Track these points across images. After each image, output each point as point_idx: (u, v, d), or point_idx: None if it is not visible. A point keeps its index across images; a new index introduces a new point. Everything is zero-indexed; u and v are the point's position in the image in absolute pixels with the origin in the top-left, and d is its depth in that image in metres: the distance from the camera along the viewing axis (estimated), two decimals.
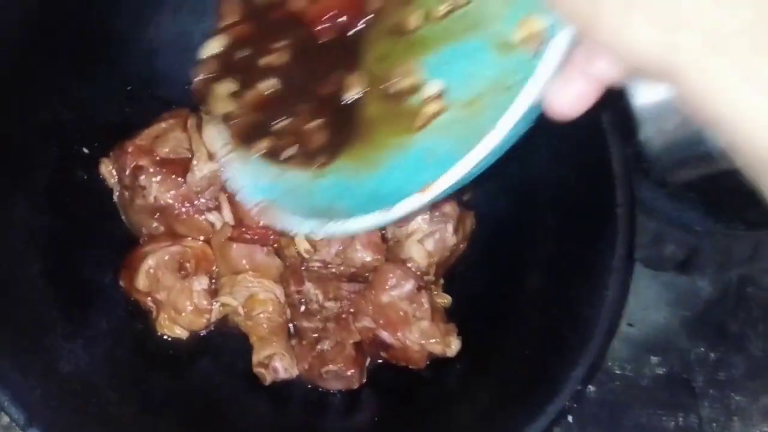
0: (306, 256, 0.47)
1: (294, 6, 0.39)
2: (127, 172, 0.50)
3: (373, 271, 0.49)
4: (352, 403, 0.48)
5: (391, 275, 0.49)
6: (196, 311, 0.48)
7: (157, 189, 0.49)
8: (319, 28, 0.38)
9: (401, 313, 0.48)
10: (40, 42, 0.48)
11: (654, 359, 0.59)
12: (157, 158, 0.50)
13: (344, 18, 0.38)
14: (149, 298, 0.48)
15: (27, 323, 0.43)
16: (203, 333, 0.49)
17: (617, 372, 0.58)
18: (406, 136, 0.36)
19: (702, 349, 0.60)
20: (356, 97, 0.37)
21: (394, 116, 0.36)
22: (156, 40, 0.53)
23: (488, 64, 0.34)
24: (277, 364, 0.47)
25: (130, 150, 0.50)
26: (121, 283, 0.48)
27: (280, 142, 0.38)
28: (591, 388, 0.57)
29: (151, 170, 0.49)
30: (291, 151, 0.38)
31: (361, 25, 0.38)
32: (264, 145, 0.38)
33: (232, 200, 0.49)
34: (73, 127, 0.50)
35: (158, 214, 0.49)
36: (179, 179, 0.49)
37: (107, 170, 0.50)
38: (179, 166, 0.50)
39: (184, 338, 0.48)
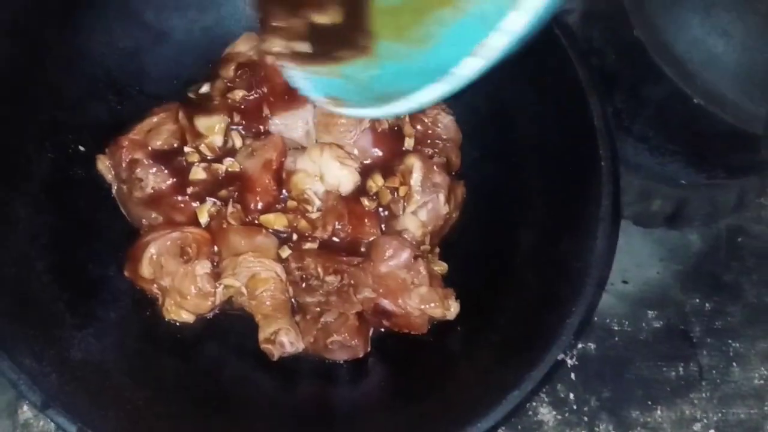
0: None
1: None
2: (124, 166, 0.51)
3: (370, 245, 0.51)
4: (358, 372, 0.49)
5: (387, 246, 0.50)
6: (200, 295, 0.49)
7: (154, 180, 0.51)
8: None
9: (400, 281, 0.49)
10: (29, 45, 0.49)
11: (651, 313, 0.60)
12: (151, 151, 0.51)
13: None
14: (154, 286, 0.49)
15: (37, 317, 0.45)
16: (209, 316, 0.50)
17: (616, 328, 0.59)
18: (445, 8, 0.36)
19: (697, 300, 0.61)
20: None
21: None
22: (142, 37, 0.54)
23: None
24: (283, 338, 0.48)
25: (124, 145, 0.51)
26: (126, 273, 0.49)
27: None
28: (592, 345, 0.59)
29: (147, 163, 0.51)
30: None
31: None
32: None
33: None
34: (67, 127, 0.51)
35: (156, 204, 0.51)
36: (174, 171, 0.51)
37: (104, 166, 0.52)
38: (173, 157, 0.51)
39: (191, 322, 0.49)
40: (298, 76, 0.44)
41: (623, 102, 0.54)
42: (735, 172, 0.55)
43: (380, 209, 0.52)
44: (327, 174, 0.52)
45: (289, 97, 0.53)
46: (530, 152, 0.52)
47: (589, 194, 0.46)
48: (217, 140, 0.52)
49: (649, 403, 0.57)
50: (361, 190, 0.52)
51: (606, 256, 0.45)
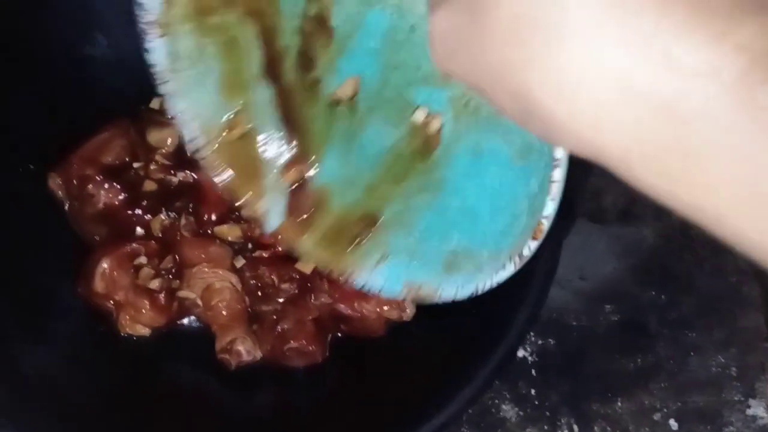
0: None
1: None
2: (75, 183, 0.51)
3: None
4: (316, 377, 0.49)
5: None
6: (155, 308, 0.49)
7: (105, 195, 0.51)
8: None
9: None
10: None
11: (608, 307, 0.61)
12: (103, 166, 0.51)
13: None
14: (109, 301, 0.49)
15: None
16: (165, 329, 0.50)
17: (574, 324, 0.60)
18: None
19: (652, 293, 0.62)
20: None
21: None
22: (90, 53, 0.54)
23: None
24: (240, 347, 0.48)
25: (75, 162, 0.51)
26: (79, 289, 0.49)
27: None
28: (551, 341, 0.59)
29: (98, 179, 0.51)
30: None
31: None
32: None
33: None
34: (16, 147, 0.51)
35: (109, 219, 0.51)
36: (126, 185, 0.51)
37: (55, 183, 0.52)
38: (125, 172, 0.52)
39: (148, 335, 0.49)
40: (364, 280, 0.39)
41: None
42: None
43: None
44: None
45: None
46: None
47: None
48: (169, 152, 0.52)
49: (609, 395, 0.58)
50: None
51: (552, 250, 0.46)
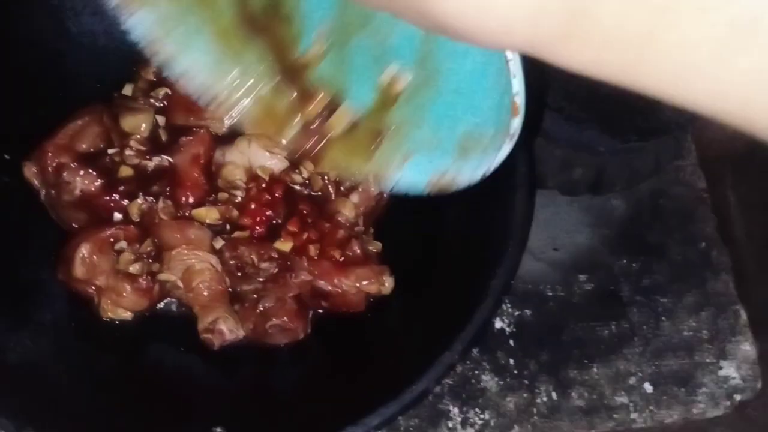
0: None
1: None
2: (50, 171, 0.51)
3: None
4: (300, 354, 0.50)
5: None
6: (136, 291, 0.49)
7: (82, 182, 0.51)
8: None
9: (334, 261, 0.51)
10: None
11: (582, 277, 0.63)
12: (78, 154, 0.52)
13: None
14: (90, 286, 0.50)
15: None
16: (147, 312, 0.51)
17: (550, 294, 0.62)
18: None
19: (625, 261, 0.64)
20: None
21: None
22: (61, 42, 0.54)
23: None
24: (222, 326, 0.49)
25: (50, 150, 0.51)
26: (59, 275, 0.50)
27: None
28: (528, 312, 0.61)
29: (73, 166, 0.51)
30: None
31: None
32: None
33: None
34: None
35: (86, 205, 0.51)
36: (102, 171, 0.51)
37: (31, 172, 0.52)
38: (100, 158, 0.52)
39: (130, 319, 0.50)
40: (395, 181, 0.42)
41: (536, 77, 0.57)
42: (646, 134, 0.58)
43: (312, 193, 0.54)
44: (256, 164, 0.53)
45: None
46: None
47: (505, 165, 0.48)
48: (144, 138, 0.52)
49: (586, 361, 0.59)
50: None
51: (524, 219, 0.47)
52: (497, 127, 0.36)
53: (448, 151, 0.39)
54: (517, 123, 0.34)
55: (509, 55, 0.30)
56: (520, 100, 0.32)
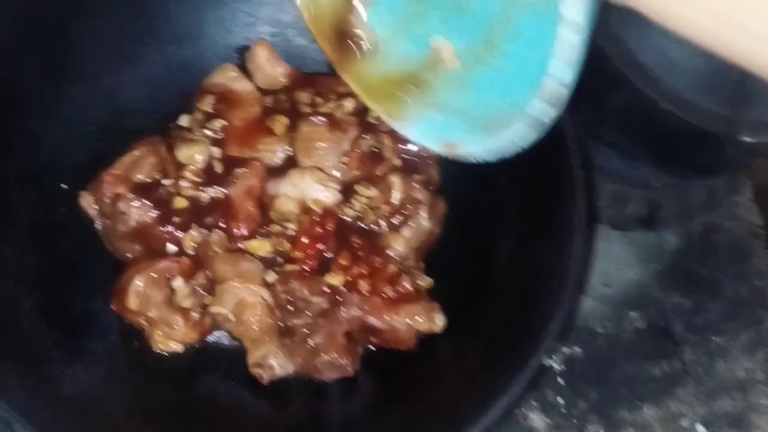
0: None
1: None
2: (106, 202, 0.52)
3: None
4: (349, 389, 0.50)
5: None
6: (188, 324, 0.49)
7: (137, 213, 0.51)
8: None
9: (386, 298, 0.50)
10: (8, 91, 0.50)
11: (633, 314, 0.62)
12: (134, 184, 0.52)
13: None
14: (142, 318, 0.50)
15: (27, 355, 0.45)
16: (198, 344, 0.51)
17: (600, 331, 0.61)
18: None
19: (677, 298, 0.63)
20: None
21: None
22: (120, 74, 0.55)
23: None
24: (272, 361, 0.49)
25: (106, 180, 0.52)
26: (113, 307, 0.50)
27: None
28: (577, 349, 0.60)
29: (129, 196, 0.51)
30: None
31: None
32: None
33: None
34: (49, 167, 0.52)
35: (141, 236, 0.51)
36: (157, 202, 0.52)
37: (87, 202, 0.52)
38: (156, 189, 0.52)
39: (181, 351, 0.50)
40: (407, 130, 0.42)
41: (590, 111, 0.56)
42: (704, 171, 0.57)
43: (364, 226, 0.53)
44: (308, 196, 0.53)
45: (265, 125, 0.54)
46: (503, 163, 0.53)
47: (562, 201, 0.48)
48: (199, 169, 0.53)
49: (637, 401, 0.58)
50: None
51: (582, 258, 0.46)
52: (525, 108, 0.34)
53: (472, 124, 0.39)
54: (554, 114, 0.32)
55: (566, 36, 0.29)
56: (566, 92, 0.31)
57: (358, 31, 0.42)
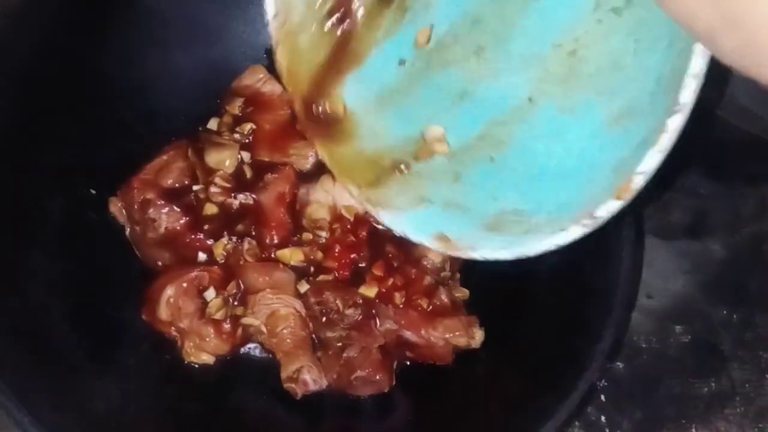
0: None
1: None
2: (136, 208, 0.50)
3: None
4: (384, 406, 0.48)
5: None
6: (219, 335, 0.48)
7: (167, 220, 0.50)
8: None
9: (422, 311, 0.48)
10: (36, 92, 0.49)
11: (678, 328, 0.59)
12: (163, 190, 0.51)
13: None
14: (173, 328, 0.49)
15: (56, 367, 0.44)
16: (229, 356, 0.49)
17: (644, 346, 0.58)
18: None
19: (724, 312, 0.60)
20: None
21: None
22: (148, 76, 0.54)
23: None
24: (306, 376, 0.47)
25: (136, 185, 0.51)
26: (144, 316, 0.49)
27: None
28: (620, 364, 0.57)
29: (159, 203, 0.50)
30: None
31: None
32: None
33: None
34: (77, 171, 0.51)
35: (171, 244, 0.50)
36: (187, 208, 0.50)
37: (116, 208, 0.51)
38: (186, 195, 0.51)
39: (212, 363, 0.49)
40: (391, 219, 0.40)
41: None
42: (755, 180, 0.54)
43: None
44: (340, 203, 0.51)
45: (295, 129, 0.53)
46: None
47: None
48: (228, 174, 0.51)
49: (683, 421, 0.55)
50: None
51: (632, 275, 0.44)
52: (560, 214, 0.32)
53: (470, 220, 0.36)
54: (616, 206, 0.29)
55: (673, 124, 0.27)
56: (641, 180, 0.28)
57: (330, 105, 0.39)
